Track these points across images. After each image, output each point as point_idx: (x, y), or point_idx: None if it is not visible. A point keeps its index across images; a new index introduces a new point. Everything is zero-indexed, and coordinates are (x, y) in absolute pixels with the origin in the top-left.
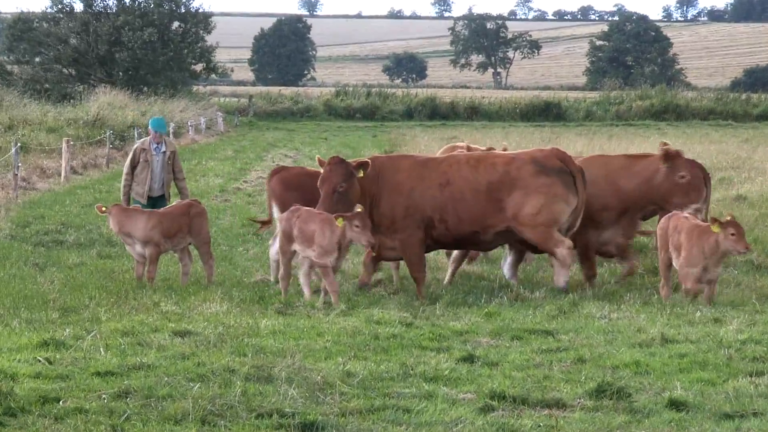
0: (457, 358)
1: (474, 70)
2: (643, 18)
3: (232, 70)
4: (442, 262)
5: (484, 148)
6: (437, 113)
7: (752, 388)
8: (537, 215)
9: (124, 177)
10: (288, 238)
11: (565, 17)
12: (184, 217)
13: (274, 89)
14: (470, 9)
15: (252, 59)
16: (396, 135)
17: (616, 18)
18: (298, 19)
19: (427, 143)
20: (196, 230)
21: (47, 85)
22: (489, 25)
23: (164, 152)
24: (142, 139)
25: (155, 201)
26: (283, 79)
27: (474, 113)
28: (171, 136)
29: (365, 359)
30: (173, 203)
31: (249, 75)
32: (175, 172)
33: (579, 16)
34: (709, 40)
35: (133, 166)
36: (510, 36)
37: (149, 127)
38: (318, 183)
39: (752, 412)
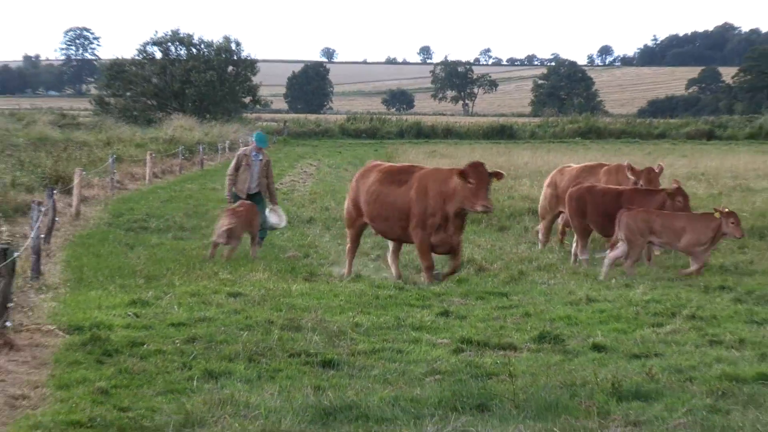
0: (436, 312)
1: (449, 102)
2: (573, 63)
3: (272, 102)
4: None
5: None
6: (422, 133)
7: (654, 336)
8: None
9: (228, 176)
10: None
11: (516, 63)
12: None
13: (302, 116)
14: (446, 57)
15: (286, 94)
16: (391, 149)
17: (553, 63)
18: (320, 64)
19: (414, 155)
20: (252, 223)
21: (135, 113)
22: (459, 69)
23: (261, 159)
24: (244, 148)
25: (252, 197)
26: (309, 109)
27: (449, 133)
28: (227, 150)
29: (369, 314)
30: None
31: (284, 105)
32: (267, 177)
33: (526, 62)
34: (622, 80)
35: (236, 168)
36: (475, 77)
37: (253, 139)
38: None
39: (654, 353)
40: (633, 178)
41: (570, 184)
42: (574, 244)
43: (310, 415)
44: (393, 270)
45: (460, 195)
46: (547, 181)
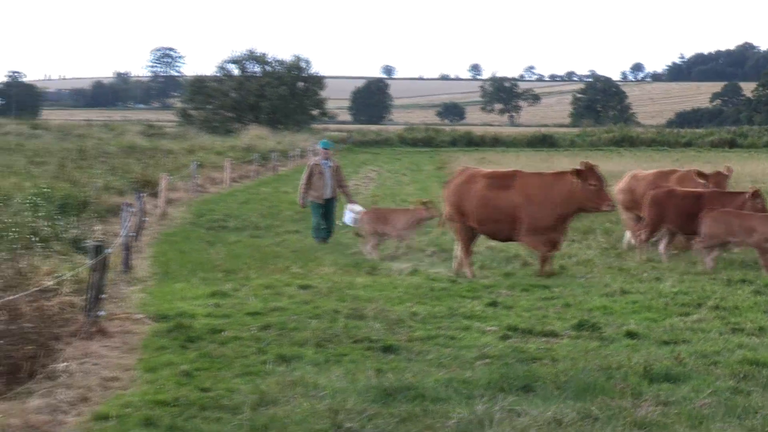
0: (486, 303)
1: (496, 114)
2: (608, 79)
3: (337, 114)
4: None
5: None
6: (472, 142)
7: (682, 324)
8: None
9: (302, 186)
10: None
11: (556, 78)
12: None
13: (365, 127)
14: (494, 73)
15: (350, 107)
16: (445, 156)
17: (591, 79)
18: (381, 80)
19: (465, 162)
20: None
21: (215, 124)
22: (506, 84)
23: (331, 166)
24: (314, 159)
25: (328, 201)
26: (371, 120)
27: (496, 142)
28: (297, 156)
29: (425, 304)
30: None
31: (348, 117)
32: (340, 181)
33: (566, 78)
34: (652, 94)
35: (309, 178)
36: (520, 91)
37: (320, 147)
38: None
39: (682, 340)
40: (702, 181)
41: (648, 188)
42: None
43: (372, 395)
44: (468, 272)
45: (580, 196)
46: (620, 186)
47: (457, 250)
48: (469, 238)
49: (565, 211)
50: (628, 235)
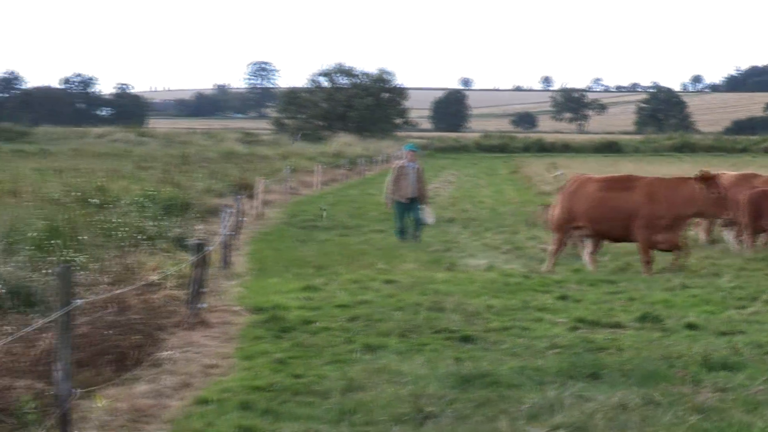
0: (556, 296)
1: (566, 122)
2: (670, 90)
3: (419, 123)
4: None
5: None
6: (543, 148)
7: (738, 317)
8: None
9: (388, 186)
10: None
11: (621, 89)
12: None
13: (445, 134)
14: (564, 85)
15: (431, 116)
16: (518, 162)
17: (653, 90)
18: (459, 91)
19: (538, 166)
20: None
21: (307, 132)
22: (575, 95)
23: (415, 168)
24: (399, 161)
25: (411, 201)
26: (450, 128)
27: (566, 148)
28: (382, 162)
29: (500, 297)
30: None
31: (429, 125)
32: (421, 183)
33: (630, 89)
34: (710, 103)
35: (395, 179)
36: (587, 101)
37: (406, 149)
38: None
39: (738, 331)
40: None
41: (732, 191)
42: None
43: (451, 382)
44: (591, 266)
45: (701, 201)
46: None
47: (585, 251)
48: (564, 237)
49: (683, 213)
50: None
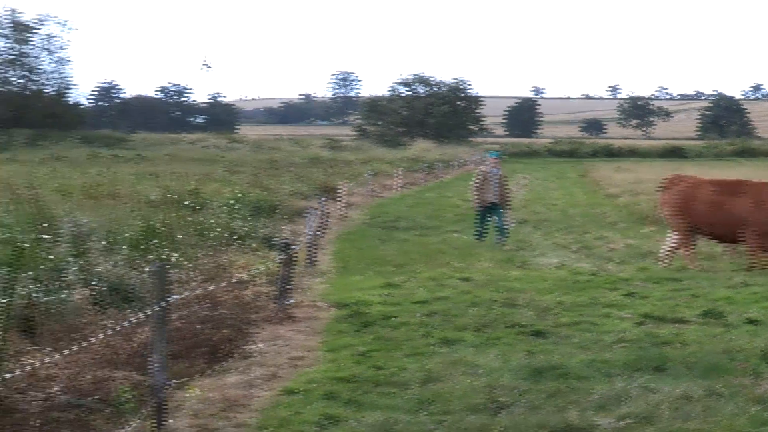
0: (623, 293)
1: (632, 129)
2: (731, 98)
3: (493, 129)
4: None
5: None
6: (611, 153)
7: None
8: None
9: (473, 190)
10: None
11: (685, 97)
12: None
13: (517, 140)
14: (630, 93)
15: (505, 122)
16: (586, 166)
17: (716, 98)
18: (531, 99)
19: (605, 171)
20: None
21: (387, 138)
22: (641, 102)
23: (498, 174)
24: (483, 167)
25: (493, 205)
26: (522, 134)
27: (632, 153)
28: (458, 166)
29: (570, 294)
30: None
31: (502, 131)
32: (504, 188)
33: (693, 97)
34: None
35: (479, 183)
36: (653, 108)
37: (490, 156)
38: None
39: None
40: None
41: None
42: None
43: (523, 374)
44: (692, 265)
45: None
46: None
47: (666, 248)
48: (690, 237)
49: None
50: None
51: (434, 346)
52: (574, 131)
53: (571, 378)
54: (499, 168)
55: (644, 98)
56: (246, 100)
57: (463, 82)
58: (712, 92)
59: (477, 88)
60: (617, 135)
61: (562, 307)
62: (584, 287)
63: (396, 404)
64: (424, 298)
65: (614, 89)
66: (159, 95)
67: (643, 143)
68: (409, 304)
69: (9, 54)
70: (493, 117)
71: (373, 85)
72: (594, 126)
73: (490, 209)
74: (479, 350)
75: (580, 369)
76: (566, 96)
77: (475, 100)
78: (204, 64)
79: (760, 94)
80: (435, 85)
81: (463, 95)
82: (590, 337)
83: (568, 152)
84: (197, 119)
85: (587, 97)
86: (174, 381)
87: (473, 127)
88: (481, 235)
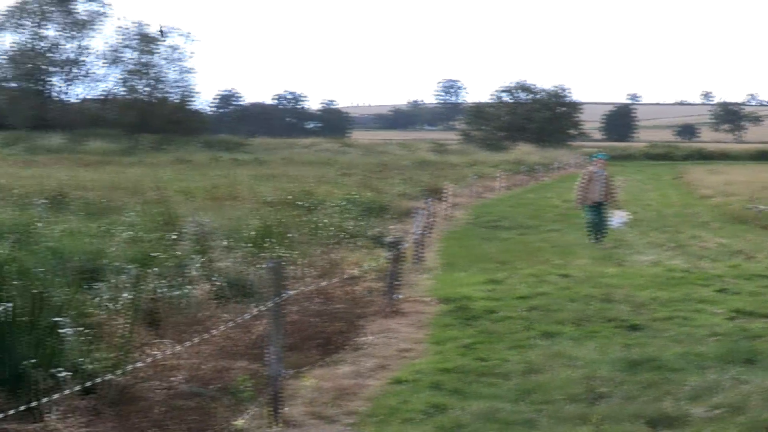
0: (715, 289)
1: (724, 133)
2: None
3: (591, 134)
4: None
5: None
6: (703, 157)
7: None
8: None
9: (578, 191)
10: None
11: None
12: None
13: (614, 144)
14: (722, 99)
15: (602, 127)
16: (680, 169)
17: None
18: (627, 105)
19: (698, 173)
20: None
21: (490, 142)
22: (732, 108)
23: (604, 174)
24: (588, 167)
25: (598, 204)
26: (619, 138)
27: (724, 156)
28: (556, 169)
29: (664, 290)
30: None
31: (600, 136)
32: (609, 189)
33: None
34: None
35: (584, 183)
36: (744, 114)
37: (598, 158)
38: None
39: None
40: None
41: None
42: None
43: (620, 366)
44: None
45: None
46: None
47: None
48: None
49: None
50: None
51: (535, 339)
52: (668, 135)
53: (665, 370)
54: (605, 169)
55: (736, 104)
56: (357, 106)
57: (563, 89)
58: None
59: (576, 95)
60: (709, 139)
61: (657, 302)
62: (678, 284)
63: (498, 394)
64: (525, 294)
65: (707, 96)
66: (276, 102)
67: (735, 147)
68: (511, 299)
69: (136, 64)
70: (591, 122)
71: (477, 92)
72: (687, 130)
73: (595, 208)
74: (578, 343)
75: (674, 361)
76: (661, 102)
77: (574, 106)
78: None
79: None
80: (536, 92)
81: (562, 101)
82: (684, 331)
83: (663, 156)
84: (311, 125)
85: (681, 103)
86: (290, 371)
87: (572, 132)
88: (594, 232)
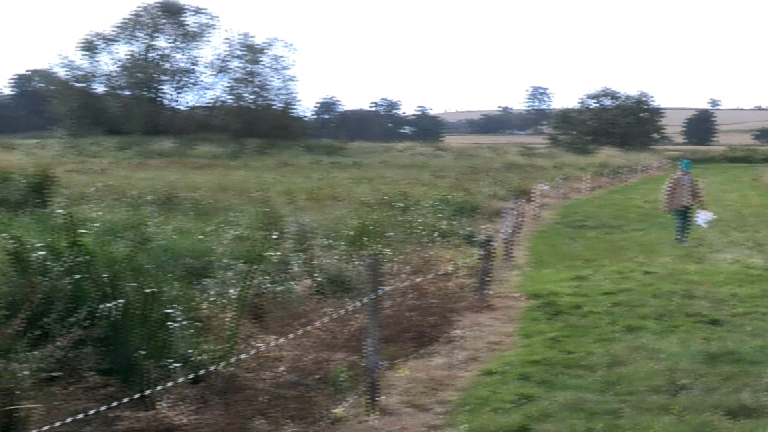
0: None
1: None
2: None
3: (673, 138)
4: None
5: None
6: None
7: None
8: None
9: (665, 195)
10: None
11: None
12: None
13: (695, 148)
14: None
15: (684, 131)
16: (759, 171)
17: None
18: (708, 110)
19: None
20: None
21: (577, 146)
22: None
23: (690, 179)
24: (675, 173)
25: (685, 208)
26: (700, 142)
27: None
28: (639, 171)
29: (743, 287)
30: None
31: (681, 140)
32: (695, 191)
33: None
34: None
35: (671, 188)
36: None
37: (682, 165)
38: None
39: None
40: None
41: None
42: None
43: (700, 359)
44: None
45: None
46: None
47: None
48: None
49: None
50: None
51: (619, 332)
52: (747, 139)
53: (744, 363)
54: (689, 174)
55: None
56: (450, 112)
57: (646, 95)
58: None
59: (659, 101)
60: None
61: (736, 298)
62: (757, 280)
63: (584, 385)
64: (610, 290)
65: None
66: (373, 108)
67: None
68: (596, 294)
69: (242, 73)
70: (672, 127)
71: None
72: (766, 134)
73: (682, 212)
74: (660, 337)
75: (753, 354)
76: (740, 107)
77: (657, 112)
78: None
79: None
80: (620, 98)
81: (646, 107)
82: (762, 326)
83: (742, 158)
84: (406, 130)
85: (759, 108)
86: (386, 362)
87: (654, 136)
88: (681, 234)
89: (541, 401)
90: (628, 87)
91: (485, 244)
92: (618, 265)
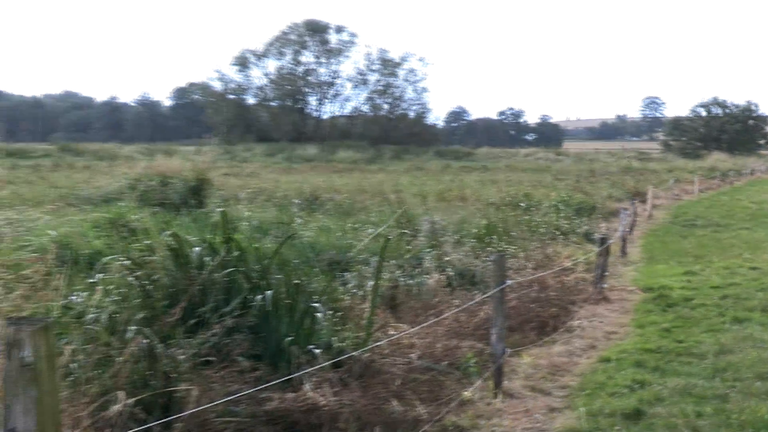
0: None
1: None
2: None
3: None
4: None
5: None
6: None
7: None
8: None
9: None
10: None
11: None
12: None
13: None
14: None
15: None
16: None
17: None
18: None
19: None
20: None
21: (688, 151)
22: None
23: None
24: None
25: None
26: None
27: None
28: (746, 174)
29: None
30: None
31: None
32: None
33: None
34: None
35: None
36: None
37: None
38: None
39: None
40: None
41: None
42: None
43: None
44: None
45: None
46: None
47: None
48: None
49: None
50: None
51: (727, 323)
52: None
53: None
54: None
55: None
56: (570, 120)
57: (753, 104)
58: None
59: (765, 109)
60: None
61: None
62: None
63: (694, 371)
64: (718, 284)
65: None
66: (499, 117)
67: None
68: (706, 288)
69: (379, 85)
70: None
71: (676, 106)
72: None
73: None
74: (766, 328)
75: None
76: None
77: (764, 119)
78: None
79: None
80: (729, 107)
81: (753, 115)
82: None
83: None
84: (530, 137)
85: None
86: (510, 350)
87: (761, 142)
88: None
89: (654, 386)
90: (736, 96)
91: (602, 241)
92: (726, 262)
